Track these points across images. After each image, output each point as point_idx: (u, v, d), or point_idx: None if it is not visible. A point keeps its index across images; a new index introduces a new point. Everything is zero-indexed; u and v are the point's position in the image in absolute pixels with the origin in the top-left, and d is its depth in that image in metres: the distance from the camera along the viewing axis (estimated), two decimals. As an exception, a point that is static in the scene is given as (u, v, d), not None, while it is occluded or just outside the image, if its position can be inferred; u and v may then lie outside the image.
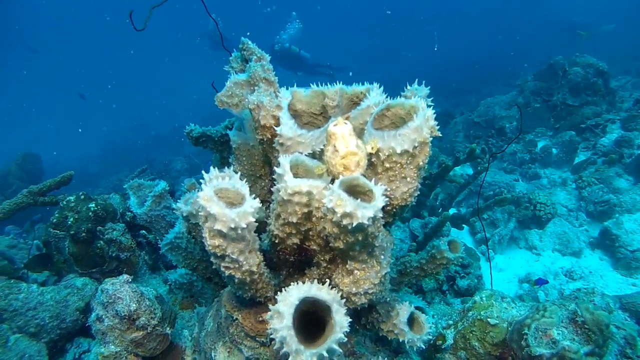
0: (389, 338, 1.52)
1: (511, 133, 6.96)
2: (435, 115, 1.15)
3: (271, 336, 0.97)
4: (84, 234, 2.99)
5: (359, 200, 0.93)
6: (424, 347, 1.51)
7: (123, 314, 1.63)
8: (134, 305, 1.65)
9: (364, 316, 1.58)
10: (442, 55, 22.32)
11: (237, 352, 1.57)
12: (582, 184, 4.92)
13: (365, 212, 0.93)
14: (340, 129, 1.04)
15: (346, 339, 0.99)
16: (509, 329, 1.99)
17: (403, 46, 28.21)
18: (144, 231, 3.43)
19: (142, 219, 2.69)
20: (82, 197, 3.19)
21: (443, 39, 28.80)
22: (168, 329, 1.78)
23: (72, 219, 3.02)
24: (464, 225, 4.75)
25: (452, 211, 5.02)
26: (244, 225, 1.02)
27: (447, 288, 3.78)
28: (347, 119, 1.28)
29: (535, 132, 6.70)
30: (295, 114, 1.48)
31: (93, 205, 3.13)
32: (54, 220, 3.04)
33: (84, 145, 18.52)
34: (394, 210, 1.27)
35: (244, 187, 1.08)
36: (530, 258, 4.53)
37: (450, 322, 2.31)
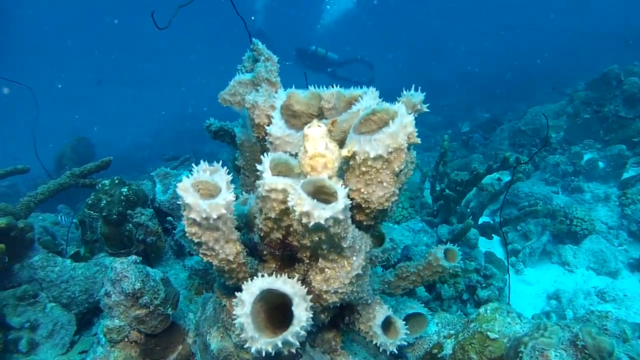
0: (367, 340, 1.54)
1: (557, 143, 6.66)
2: (415, 122, 1.16)
3: (234, 322, 1.03)
4: (114, 216, 3.20)
5: (315, 200, 0.97)
6: (396, 352, 1.52)
7: (128, 292, 1.75)
8: (139, 284, 1.77)
9: (347, 315, 1.61)
10: (492, 58, 21.56)
11: (228, 337, 1.66)
12: (625, 201, 4.64)
13: (322, 213, 0.97)
14: (312, 131, 1.08)
15: (304, 333, 1.03)
16: (508, 345, 1.95)
17: (448, 48, 27.44)
18: (170, 217, 3.61)
19: (165, 206, 2.84)
20: (117, 181, 3.40)
21: (494, 42, 27.84)
22: (170, 310, 1.90)
23: (105, 201, 3.23)
24: (493, 235, 4.62)
25: (482, 220, 4.89)
26: (215, 216, 1.09)
27: (468, 297, 3.71)
28: (333, 122, 1.31)
29: (583, 144, 6.38)
30: (294, 115, 1.54)
31: (125, 189, 3.32)
32: (89, 202, 3.27)
33: (137, 133, 19.44)
34: (373, 214, 1.29)
35: (222, 181, 1.15)
36: (562, 274, 4.34)
37: (452, 331, 2.29)
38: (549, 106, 7.74)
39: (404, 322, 1.60)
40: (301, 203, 0.97)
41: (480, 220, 4.77)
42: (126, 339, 1.84)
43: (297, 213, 0.99)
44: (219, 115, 2.56)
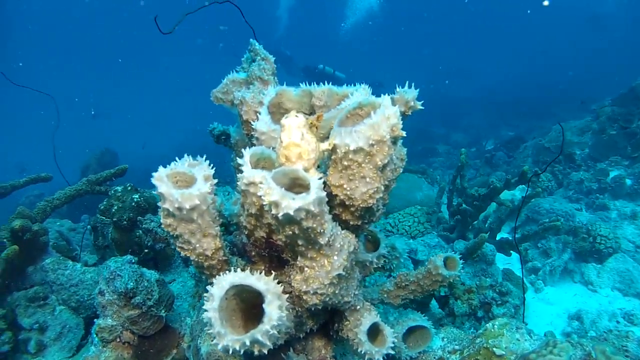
0: (354, 348, 1.47)
1: (581, 160, 6.43)
2: (402, 119, 1.12)
3: (202, 316, 1.00)
4: (125, 222, 3.22)
5: (283, 189, 0.94)
6: None
7: (121, 291, 1.74)
8: (132, 283, 1.76)
9: (337, 322, 1.55)
10: (518, 76, 21.22)
11: (217, 341, 1.61)
12: (654, 220, 4.41)
13: (291, 203, 0.93)
14: (288, 121, 1.06)
15: (275, 332, 0.98)
16: (514, 361, 1.84)
17: (473, 65, 27.16)
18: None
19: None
20: (129, 188, 3.44)
21: (520, 58, 27.49)
22: (163, 311, 1.87)
23: (116, 207, 3.27)
24: (512, 251, 4.46)
25: (501, 236, 4.73)
26: (188, 207, 1.07)
27: (483, 315, 3.56)
28: (319, 117, 1.28)
29: (609, 160, 6.13)
30: (286, 113, 1.51)
31: (137, 196, 3.36)
32: (102, 207, 3.31)
33: (162, 145, 19.77)
34: (358, 212, 1.24)
35: (199, 173, 1.13)
36: (585, 294, 4.13)
37: (457, 347, 2.18)
38: (573, 123, 7.52)
39: (393, 332, 1.52)
40: (270, 192, 0.94)
41: (498, 237, 4.61)
42: (118, 339, 1.82)
43: (266, 203, 0.96)
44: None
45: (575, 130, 7.18)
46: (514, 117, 13.64)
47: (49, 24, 29.45)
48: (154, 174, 1.08)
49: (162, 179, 1.06)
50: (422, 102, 1.41)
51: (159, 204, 1.11)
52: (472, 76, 24.52)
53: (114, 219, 3.25)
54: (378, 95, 1.39)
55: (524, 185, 4.60)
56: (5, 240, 2.95)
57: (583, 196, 5.64)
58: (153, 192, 3.82)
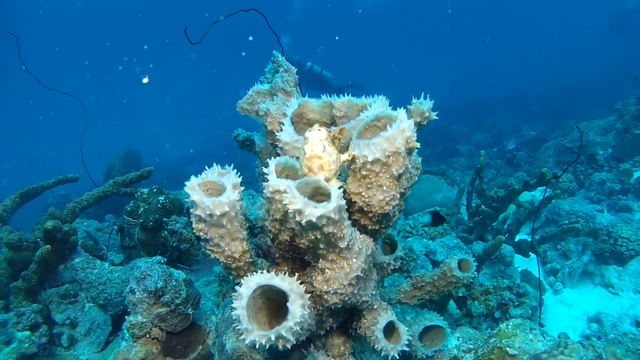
0: (371, 345, 1.55)
1: (604, 160, 6.35)
2: (414, 128, 1.19)
3: (230, 314, 1.09)
4: (151, 223, 3.36)
5: (306, 199, 1.02)
6: (397, 357, 1.51)
7: (150, 289, 1.86)
8: (161, 283, 1.87)
9: (355, 321, 1.63)
10: (543, 75, 20.88)
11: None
12: (677, 222, 4.35)
13: (313, 211, 1.01)
14: (311, 134, 1.14)
15: (298, 329, 1.07)
16: (527, 361, 1.88)
17: (498, 64, 26.78)
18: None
19: (192, 212, 2.96)
20: (155, 190, 3.58)
21: (546, 56, 27.03)
22: (190, 309, 1.98)
23: (142, 209, 3.41)
24: (530, 253, 4.45)
25: (520, 237, 4.73)
26: (218, 213, 1.16)
27: (500, 316, 3.58)
28: (341, 131, 1.36)
29: (633, 160, 6.04)
30: (309, 123, 1.60)
31: (162, 198, 3.49)
32: (128, 209, 3.46)
33: (187, 146, 20.07)
34: (376, 218, 1.32)
35: (227, 182, 1.22)
36: (605, 296, 4.10)
37: (472, 346, 2.23)
38: (596, 122, 7.42)
39: (408, 330, 1.59)
40: (294, 201, 1.03)
41: (517, 238, 4.62)
42: (148, 335, 1.94)
43: (290, 211, 1.04)
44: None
45: (598, 129, 7.09)
46: (537, 116, 13.48)
47: (76, 26, 30.19)
48: (186, 182, 1.17)
49: (194, 188, 1.16)
50: (436, 112, 1.47)
51: (191, 210, 1.20)
52: (496, 75, 24.24)
53: (141, 220, 3.39)
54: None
55: (544, 187, 4.59)
56: (38, 239, 3.10)
57: (605, 197, 5.58)
58: (181, 192, 3.95)
